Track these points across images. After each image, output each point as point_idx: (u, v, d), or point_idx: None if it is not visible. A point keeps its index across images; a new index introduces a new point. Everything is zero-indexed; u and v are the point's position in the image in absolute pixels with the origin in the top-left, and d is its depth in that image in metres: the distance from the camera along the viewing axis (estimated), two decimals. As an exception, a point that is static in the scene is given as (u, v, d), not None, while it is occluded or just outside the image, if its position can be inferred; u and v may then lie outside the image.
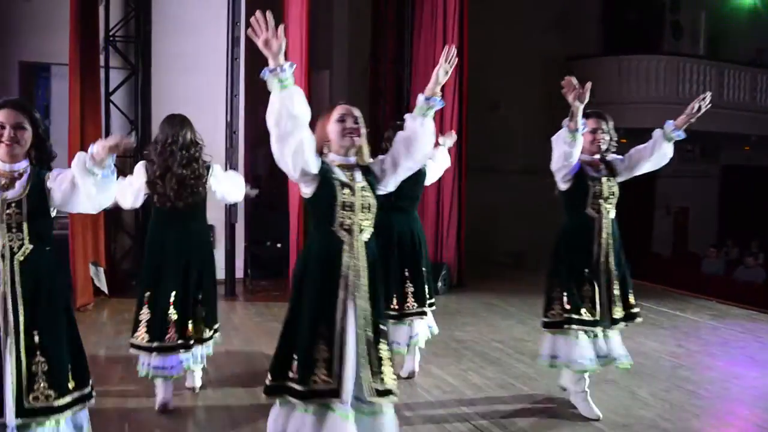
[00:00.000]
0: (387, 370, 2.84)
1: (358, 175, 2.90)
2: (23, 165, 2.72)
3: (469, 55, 8.09)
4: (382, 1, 9.45)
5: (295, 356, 2.80)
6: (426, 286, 4.64)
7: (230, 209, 7.51)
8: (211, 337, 4.16)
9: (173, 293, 3.96)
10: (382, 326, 2.88)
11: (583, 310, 3.84)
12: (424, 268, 4.64)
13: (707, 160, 14.71)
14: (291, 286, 2.89)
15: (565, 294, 3.89)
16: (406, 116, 2.94)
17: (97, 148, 2.57)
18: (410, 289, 4.54)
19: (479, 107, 9.70)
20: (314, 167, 2.76)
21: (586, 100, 3.58)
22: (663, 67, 12.83)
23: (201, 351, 4.15)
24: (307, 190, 2.84)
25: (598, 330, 3.89)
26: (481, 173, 10.24)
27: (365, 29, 9.68)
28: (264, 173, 9.19)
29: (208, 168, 4.05)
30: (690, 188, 14.27)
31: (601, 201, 3.87)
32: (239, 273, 7.91)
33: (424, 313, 4.61)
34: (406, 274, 4.56)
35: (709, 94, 3.85)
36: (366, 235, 2.87)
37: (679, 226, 14.78)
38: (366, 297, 2.82)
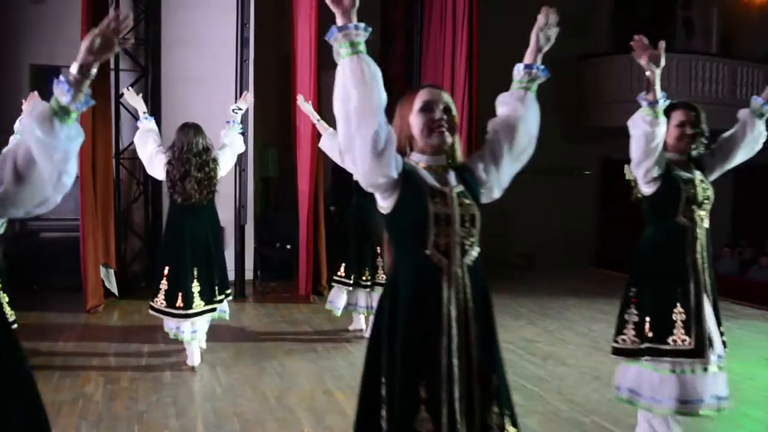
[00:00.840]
0: None
1: (452, 178, 2.17)
2: None
3: (479, 55, 8.06)
4: (391, 1, 9.44)
5: (386, 425, 2.07)
6: None
7: (239, 211, 7.52)
8: (222, 300, 4.95)
9: (195, 269, 4.71)
10: (494, 380, 2.13)
11: (672, 339, 3.18)
12: None
13: (720, 159, 14.55)
14: (372, 329, 2.20)
15: (648, 319, 3.25)
16: (500, 97, 2.35)
17: (87, 43, 1.80)
18: (381, 263, 5.44)
19: (490, 107, 9.66)
20: (393, 169, 2.03)
21: (663, 64, 3.00)
22: (675, 65, 12.68)
23: (216, 312, 4.92)
24: (385, 204, 2.11)
25: (693, 363, 3.19)
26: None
27: (374, 29, 9.64)
28: (273, 175, 9.20)
29: (217, 163, 4.79)
30: (703, 187, 14.11)
31: (694, 207, 3.26)
32: (249, 275, 7.92)
33: None
34: (378, 250, 5.44)
35: None
36: (471, 258, 2.14)
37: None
38: (475, 341, 2.10)
